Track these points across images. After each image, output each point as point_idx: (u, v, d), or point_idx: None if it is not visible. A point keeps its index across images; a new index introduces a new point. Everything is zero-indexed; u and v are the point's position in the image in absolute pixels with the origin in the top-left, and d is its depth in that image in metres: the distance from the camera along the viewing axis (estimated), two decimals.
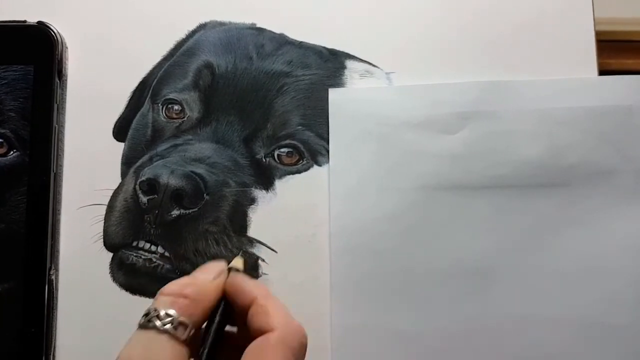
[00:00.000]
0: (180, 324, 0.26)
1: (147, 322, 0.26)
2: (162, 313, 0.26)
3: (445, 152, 0.38)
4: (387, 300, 0.37)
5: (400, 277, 0.37)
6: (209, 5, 0.41)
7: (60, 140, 0.39)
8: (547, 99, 0.38)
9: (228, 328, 0.29)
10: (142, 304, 0.38)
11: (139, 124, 0.40)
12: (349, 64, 0.40)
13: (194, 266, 0.37)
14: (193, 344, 0.27)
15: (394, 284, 0.37)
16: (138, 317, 0.37)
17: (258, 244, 0.38)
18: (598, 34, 0.39)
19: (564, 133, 0.38)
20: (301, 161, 0.39)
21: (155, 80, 0.40)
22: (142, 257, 0.38)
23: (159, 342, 0.26)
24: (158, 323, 0.26)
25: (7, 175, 0.38)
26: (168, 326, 0.26)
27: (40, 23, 0.39)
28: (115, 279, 0.38)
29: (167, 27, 0.41)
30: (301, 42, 0.40)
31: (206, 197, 0.38)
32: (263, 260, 0.38)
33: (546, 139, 0.38)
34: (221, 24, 0.41)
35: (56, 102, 0.39)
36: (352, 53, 0.40)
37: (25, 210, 0.37)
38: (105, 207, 0.39)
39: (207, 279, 0.28)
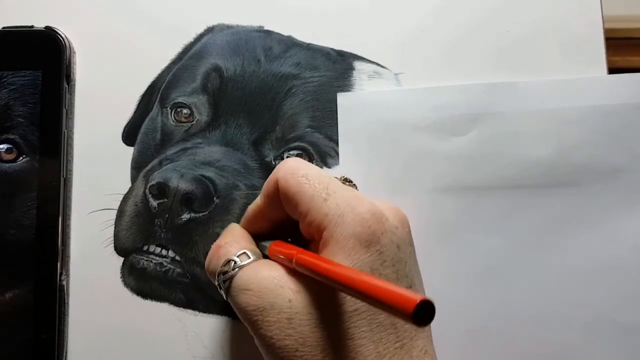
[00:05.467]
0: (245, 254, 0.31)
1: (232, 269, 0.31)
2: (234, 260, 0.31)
3: (454, 154, 0.38)
4: None
5: None
6: (216, 8, 0.41)
7: (70, 145, 0.39)
8: (555, 98, 0.38)
9: None
10: (154, 308, 0.38)
11: (148, 128, 0.40)
12: (358, 65, 0.40)
13: (204, 270, 0.37)
14: None
15: None
16: (149, 322, 0.37)
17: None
18: (605, 32, 0.39)
19: (573, 132, 0.38)
20: (311, 163, 0.39)
21: (164, 84, 0.40)
22: (153, 261, 0.38)
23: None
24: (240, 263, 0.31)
25: (17, 181, 0.38)
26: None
27: (47, 28, 0.39)
28: (126, 283, 0.38)
29: (175, 30, 0.40)
30: (309, 43, 0.40)
31: (216, 200, 0.38)
32: None
33: (555, 139, 0.38)
34: (229, 26, 0.41)
35: (65, 107, 0.39)
36: (360, 54, 0.40)
37: (35, 215, 0.37)
38: (115, 212, 0.38)
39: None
